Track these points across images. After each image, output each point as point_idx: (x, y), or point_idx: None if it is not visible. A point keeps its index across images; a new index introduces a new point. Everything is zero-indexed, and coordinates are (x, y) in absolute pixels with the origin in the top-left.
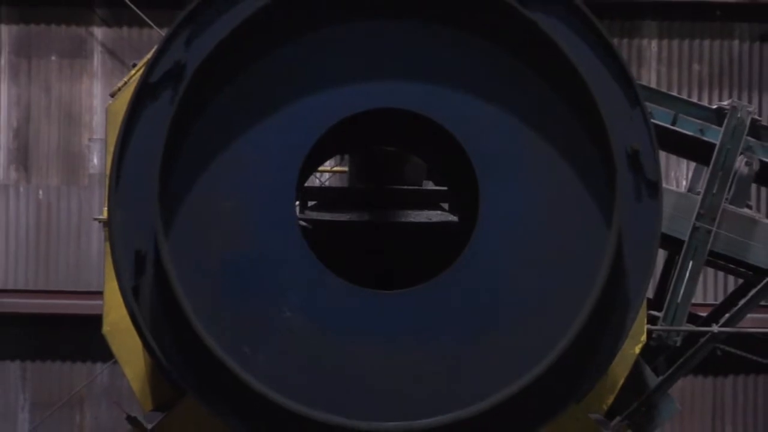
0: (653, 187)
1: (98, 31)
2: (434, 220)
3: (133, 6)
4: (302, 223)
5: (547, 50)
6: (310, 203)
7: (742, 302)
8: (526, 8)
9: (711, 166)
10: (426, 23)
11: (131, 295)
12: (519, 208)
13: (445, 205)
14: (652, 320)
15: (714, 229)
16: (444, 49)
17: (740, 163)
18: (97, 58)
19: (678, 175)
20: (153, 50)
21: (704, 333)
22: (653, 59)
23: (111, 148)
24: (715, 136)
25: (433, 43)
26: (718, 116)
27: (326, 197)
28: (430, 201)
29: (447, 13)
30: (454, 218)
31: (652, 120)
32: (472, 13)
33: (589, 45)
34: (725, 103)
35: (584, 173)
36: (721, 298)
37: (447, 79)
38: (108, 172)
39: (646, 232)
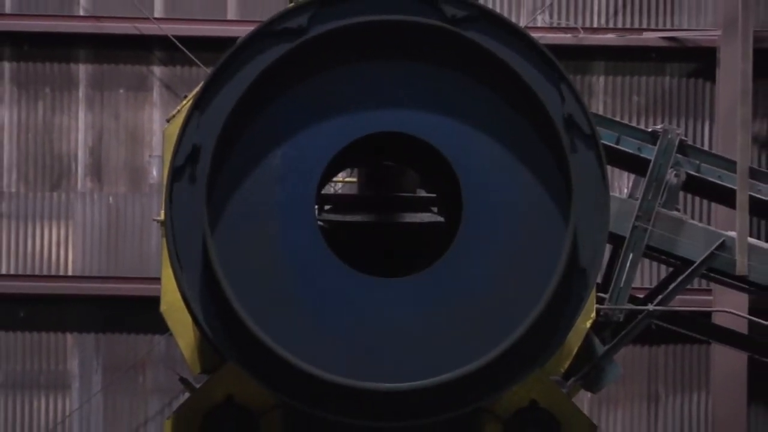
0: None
1: (157, 69)
2: (426, 221)
3: (184, 49)
4: (320, 223)
5: (514, 82)
6: (327, 207)
7: (672, 286)
8: (496, 50)
9: (647, 177)
10: (418, 63)
11: (184, 282)
12: (495, 210)
13: (434, 209)
14: (600, 301)
15: (649, 228)
16: (433, 84)
17: (670, 175)
18: (156, 91)
19: (620, 184)
20: (199, 86)
21: (642, 311)
22: (601, 92)
23: (167, 163)
24: (650, 153)
25: (424, 78)
26: (652, 137)
27: (340, 202)
28: (422, 205)
29: (434, 56)
30: (441, 219)
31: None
32: (455, 56)
33: (543, 75)
34: (658, 127)
35: (545, 179)
36: (655, 283)
37: (436, 108)
38: (164, 182)
39: (597, 225)
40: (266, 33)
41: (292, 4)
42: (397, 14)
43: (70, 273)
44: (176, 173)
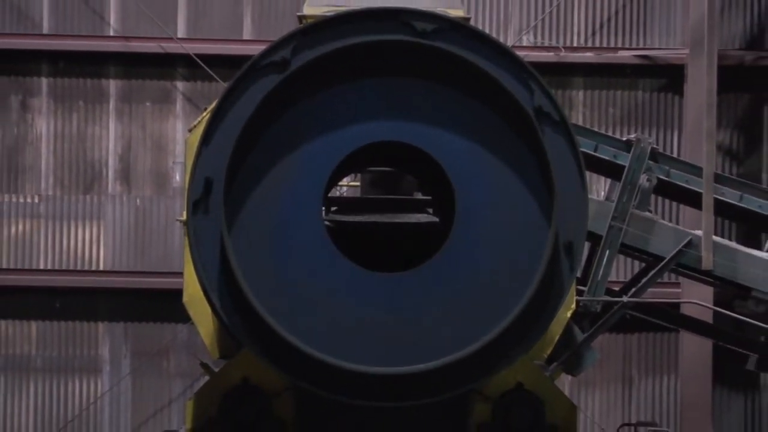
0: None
1: (179, 84)
2: (422, 221)
3: (205, 66)
4: (326, 223)
5: (489, 84)
6: (333, 208)
7: (644, 280)
8: (467, 56)
9: (622, 182)
10: (402, 78)
11: (204, 276)
12: (485, 211)
13: (430, 210)
14: (579, 293)
15: (624, 227)
16: (428, 97)
17: (643, 180)
18: (179, 104)
19: (598, 188)
20: (216, 101)
21: (617, 302)
22: (580, 105)
23: (188, 169)
24: (625, 160)
25: (419, 93)
26: (627, 146)
27: (344, 204)
28: (419, 207)
29: (415, 69)
30: (436, 219)
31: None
32: (433, 67)
33: (512, 74)
34: (632, 136)
35: (527, 177)
36: (629, 277)
37: (431, 119)
38: (186, 186)
39: (577, 225)
40: (256, 68)
41: (327, 14)
42: (372, 35)
43: (101, 268)
44: (195, 206)
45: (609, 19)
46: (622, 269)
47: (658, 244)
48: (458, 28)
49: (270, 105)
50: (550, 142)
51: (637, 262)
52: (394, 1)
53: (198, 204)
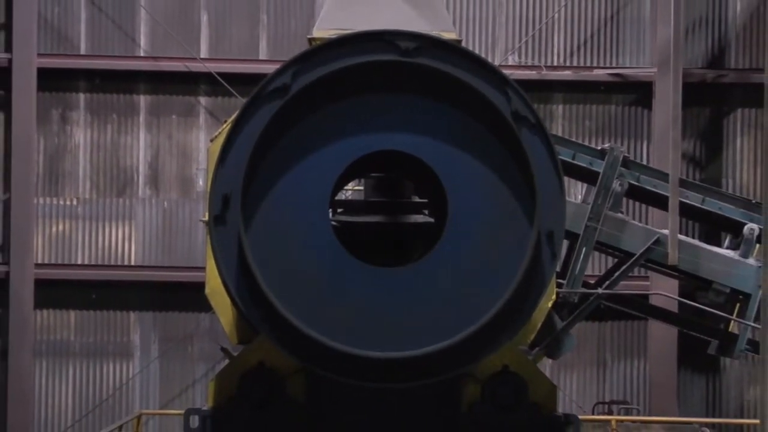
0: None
1: (202, 99)
2: (419, 221)
3: (225, 83)
4: (333, 223)
5: (471, 95)
6: (339, 210)
7: (616, 274)
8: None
9: (597, 186)
10: (405, 93)
11: (225, 272)
12: (474, 213)
13: (426, 212)
14: (559, 285)
15: (599, 227)
16: (419, 110)
17: (616, 185)
18: (202, 117)
19: (575, 192)
20: (234, 115)
21: (592, 294)
22: (560, 117)
23: (210, 174)
24: (599, 167)
25: (412, 106)
26: (601, 154)
27: (349, 206)
28: (416, 209)
29: (417, 87)
30: (431, 219)
31: (560, 156)
32: (434, 86)
33: (491, 83)
34: (606, 146)
35: (512, 186)
36: (603, 271)
37: (423, 130)
38: (208, 190)
39: (556, 225)
40: (260, 95)
41: (334, 37)
42: (363, 56)
43: (132, 263)
44: (216, 220)
45: (585, 42)
46: (597, 264)
47: (629, 242)
48: (438, 45)
49: (277, 125)
50: (528, 141)
51: (610, 258)
52: (393, 24)
53: (218, 218)
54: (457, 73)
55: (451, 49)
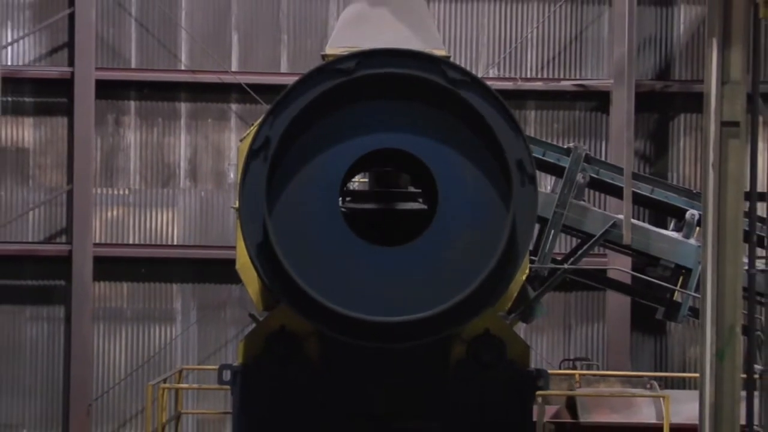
0: (532, 180)
1: (233, 106)
2: (415, 208)
3: (252, 92)
4: (342, 209)
5: (484, 128)
6: (347, 198)
7: (579, 252)
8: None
9: (563, 179)
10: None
11: (252, 250)
12: (460, 200)
13: (420, 200)
14: (531, 261)
15: (565, 213)
16: (420, 114)
17: (579, 177)
18: (233, 121)
19: (546, 183)
20: (258, 120)
21: (559, 268)
22: (533, 121)
23: (239, 169)
24: (566, 162)
25: (414, 111)
26: (567, 152)
27: (356, 195)
28: (412, 197)
29: (421, 96)
30: (424, 207)
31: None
32: (435, 96)
33: (497, 110)
34: (571, 145)
35: (492, 178)
36: (569, 250)
37: (421, 131)
38: (238, 182)
39: (529, 211)
40: (325, 70)
41: (345, 53)
42: (412, 70)
43: (175, 243)
44: (253, 154)
45: (554, 57)
46: (563, 244)
47: (591, 225)
48: (478, 84)
49: (295, 126)
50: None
51: (574, 239)
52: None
53: (256, 153)
54: (485, 113)
55: (488, 93)
